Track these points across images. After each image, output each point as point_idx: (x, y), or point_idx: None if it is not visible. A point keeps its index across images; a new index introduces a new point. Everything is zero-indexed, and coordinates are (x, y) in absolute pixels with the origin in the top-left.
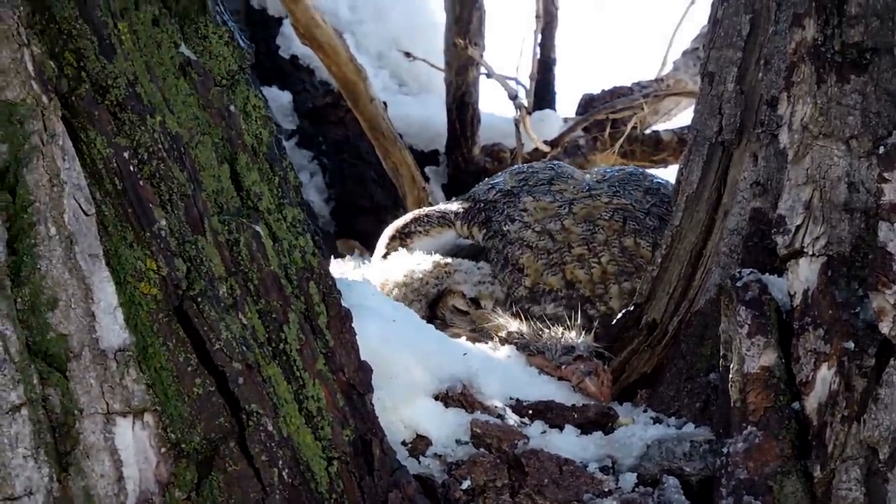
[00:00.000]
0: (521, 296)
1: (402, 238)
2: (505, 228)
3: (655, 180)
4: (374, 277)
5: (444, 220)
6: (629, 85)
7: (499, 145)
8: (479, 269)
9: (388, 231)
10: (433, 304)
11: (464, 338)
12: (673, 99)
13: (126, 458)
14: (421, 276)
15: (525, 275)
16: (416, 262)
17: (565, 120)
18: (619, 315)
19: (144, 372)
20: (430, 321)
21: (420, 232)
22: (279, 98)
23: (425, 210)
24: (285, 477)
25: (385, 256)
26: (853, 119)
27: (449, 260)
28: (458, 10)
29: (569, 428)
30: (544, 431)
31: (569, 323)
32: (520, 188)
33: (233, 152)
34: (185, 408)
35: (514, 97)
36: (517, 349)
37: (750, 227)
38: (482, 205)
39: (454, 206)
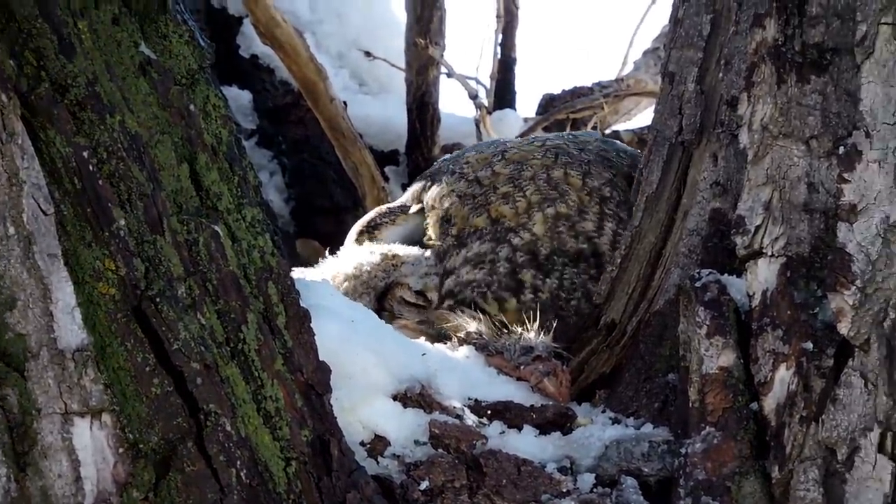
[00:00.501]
0: (449, 245)
1: (370, 231)
2: (443, 181)
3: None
4: (327, 272)
5: (406, 208)
6: (590, 85)
7: (459, 145)
8: (426, 258)
9: (356, 227)
10: (381, 296)
11: (422, 337)
12: (633, 99)
13: (84, 459)
14: (369, 269)
15: (452, 224)
16: (366, 254)
17: (525, 120)
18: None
19: (102, 372)
20: (378, 313)
21: (387, 223)
22: (239, 97)
23: (391, 203)
24: (243, 477)
25: None
26: (813, 119)
27: (399, 251)
28: (419, 10)
29: (527, 428)
30: (503, 432)
31: (528, 325)
32: (469, 149)
33: (192, 152)
34: (143, 408)
35: (474, 97)
36: (476, 349)
37: (709, 227)
38: (430, 173)
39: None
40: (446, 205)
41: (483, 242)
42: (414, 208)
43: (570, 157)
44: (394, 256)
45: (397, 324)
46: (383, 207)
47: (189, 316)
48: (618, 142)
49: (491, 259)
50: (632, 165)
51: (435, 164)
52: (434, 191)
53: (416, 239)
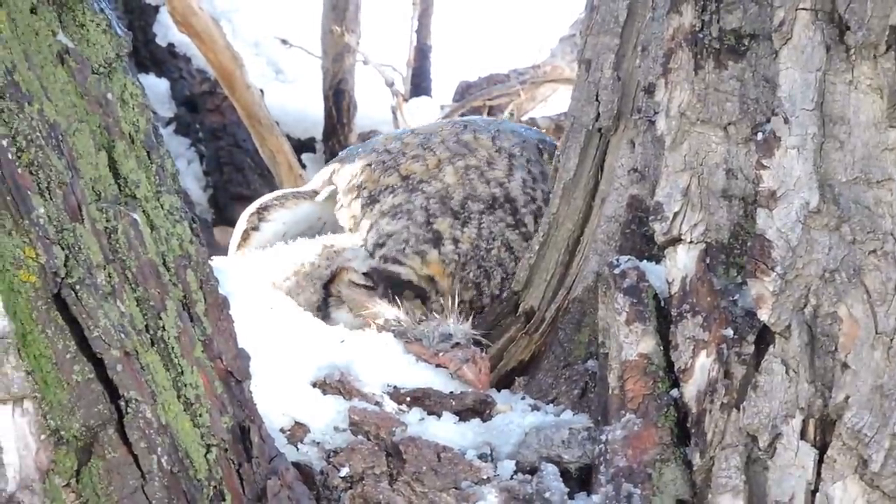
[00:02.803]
0: (363, 205)
1: (260, 213)
2: (354, 160)
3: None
4: (257, 272)
5: (300, 194)
6: (506, 72)
7: (375, 132)
8: (361, 245)
9: (247, 211)
10: (327, 285)
11: (341, 325)
12: (550, 85)
13: (6, 445)
14: (312, 260)
15: (363, 188)
16: (303, 249)
17: (442, 107)
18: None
19: (24, 359)
20: (325, 301)
21: (276, 205)
22: (156, 86)
23: (297, 188)
24: (164, 464)
25: (244, 237)
26: (731, 105)
27: (336, 239)
28: None
29: (447, 415)
30: (422, 419)
31: (447, 311)
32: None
33: (110, 140)
34: (65, 395)
35: (390, 84)
36: (395, 336)
37: (627, 213)
38: (340, 158)
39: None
40: (359, 177)
41: (396, 195)
42: (324, 193)
43: (479, 125)
44: (331, 245)
45: (357, 311)
46: (278, 192)
47: (109, 303)
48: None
49: (406, 209)
50: (541, 139)
51: (344, 150)
52: (345, 170)
53: (312, 224)
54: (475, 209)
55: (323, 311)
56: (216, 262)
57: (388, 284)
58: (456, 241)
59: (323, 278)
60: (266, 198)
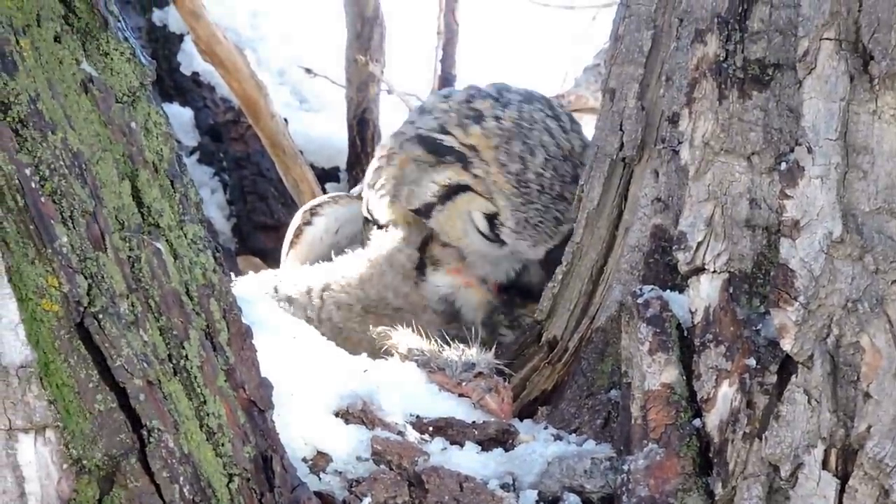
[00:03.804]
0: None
1: (314, 209)
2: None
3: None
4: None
5: (354, 195)
6: None
7: None
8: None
9: (300, 211)
10: (421, 248)
11: (364, 354)
12: (574, 115)
13: (28, 475)
14: (394, 245)
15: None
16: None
17: None
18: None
19: (46, 388)
20: (421, 263)
21: (329, 202)
22: (180, 114)
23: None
24: (186, 493)
25: (297, 233)
26: (755, 135)
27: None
28: (359, 27)
29: (469, 445)
30: (445, 448)
31: (469, 342)
32: None
33: (134, 169)
34: (87, 424)
35: None
36: (418, 366)
37: (651, 243)
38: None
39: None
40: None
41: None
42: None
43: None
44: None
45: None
46: (332, 193)
47: (132, 332)
48: None
49: (445, 94)
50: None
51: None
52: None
53: (355, 231)
54: (514, 98)
55: (419, 275)
56: (250, 281)
57: (429, 149)
58: (498, 119)
59: (415, 243)
60: (321, 197)
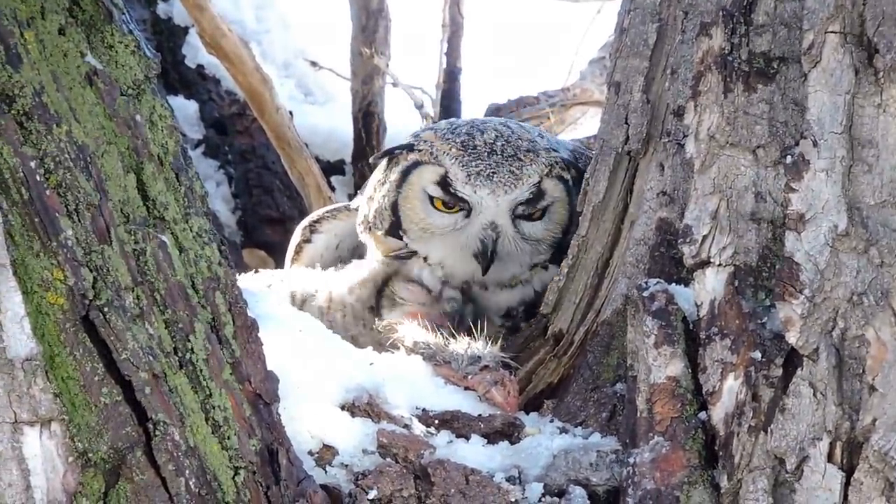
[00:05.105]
0: None
1: (313, 225)
2: None
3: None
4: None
5: (353, 208)
6: (535, 94)
7: None
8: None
9: (301, 225)
10: (382, 285)
11: (370, 347)
12: (579, 108)
13: (34, 467)
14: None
15: None
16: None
17: None
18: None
19: (52, 381)
20: (378, 301)
21: (328, 217)
22: (185, 107)
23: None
24: (192, 486)
25: (297, 250)
26: (760, 128)
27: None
28: (364, 20)
29: (475, 438)
30: (451, 441)
31: (475, 334)
32: None
33: (139, 162)
34: (93, 417)
35: (419, 106)
36: (424, 359)
37: (656, 236)
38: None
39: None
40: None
41: None
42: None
43: None
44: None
45: (399, 309)
46: (330, 206)
47: (137, 325)
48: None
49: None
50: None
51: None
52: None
53: (353, 245)
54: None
55: (376, 311)
56: (251, 280)
57: (386, 155)
58: (451, 123)
59: (378, 278)
60: (319, 211)
